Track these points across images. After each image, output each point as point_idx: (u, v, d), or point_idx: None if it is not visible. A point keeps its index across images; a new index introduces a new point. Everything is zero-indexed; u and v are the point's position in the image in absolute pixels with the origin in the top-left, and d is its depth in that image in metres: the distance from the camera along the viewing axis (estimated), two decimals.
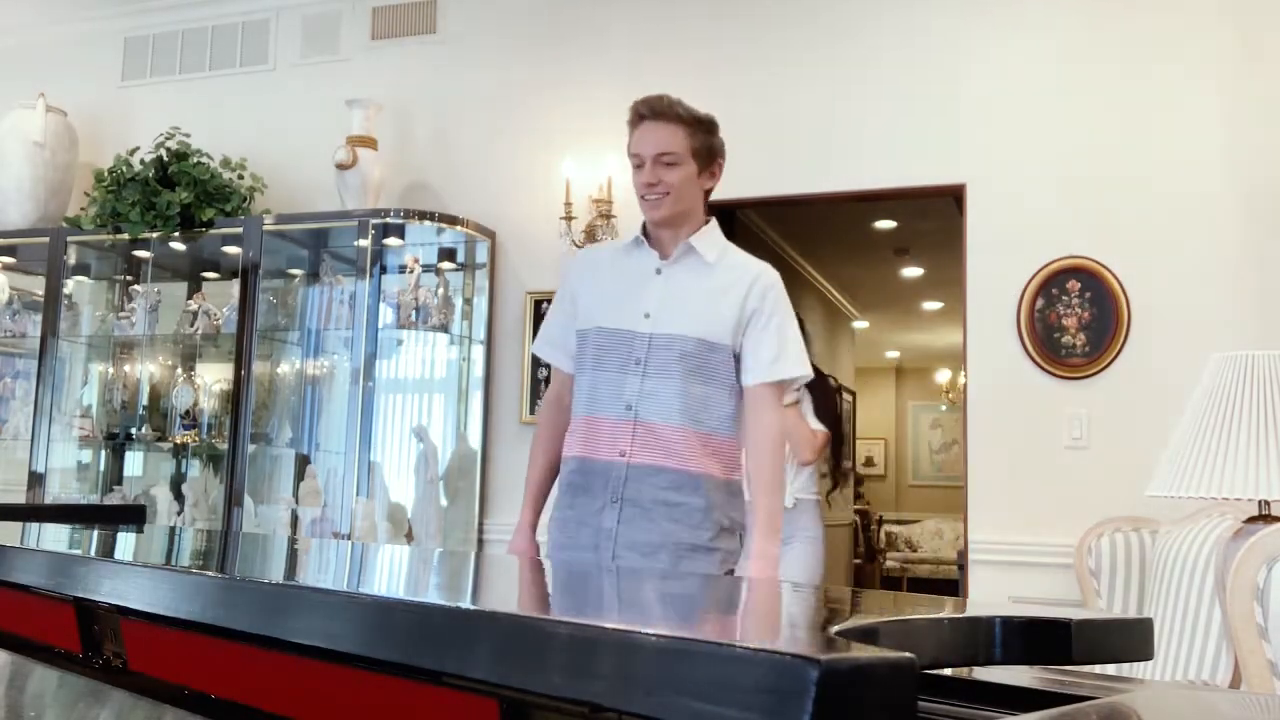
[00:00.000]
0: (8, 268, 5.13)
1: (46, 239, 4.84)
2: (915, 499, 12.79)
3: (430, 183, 4.77)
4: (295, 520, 4.39)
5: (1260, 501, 2.69)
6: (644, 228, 2.46)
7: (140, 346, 4.88)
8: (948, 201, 4.70)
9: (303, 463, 4.59)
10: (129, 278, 4.99)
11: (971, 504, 3.87)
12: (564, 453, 2.43)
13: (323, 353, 4.70)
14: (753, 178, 4.28)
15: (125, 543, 1.23)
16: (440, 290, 4.49)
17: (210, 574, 0.77)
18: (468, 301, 4.66)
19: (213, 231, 4.60)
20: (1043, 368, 3.84)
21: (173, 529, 2.99)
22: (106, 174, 4.73)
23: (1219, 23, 3.79)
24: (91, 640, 0.92)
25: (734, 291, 2.38)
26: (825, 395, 4.14)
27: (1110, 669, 2.10)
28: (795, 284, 8.17)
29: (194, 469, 4.83)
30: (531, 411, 4.46)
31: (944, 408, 12.74)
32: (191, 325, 4.66)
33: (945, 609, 0.68)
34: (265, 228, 4.54)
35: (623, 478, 2.30)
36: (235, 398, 4.45)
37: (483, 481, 4.50)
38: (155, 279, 4.85)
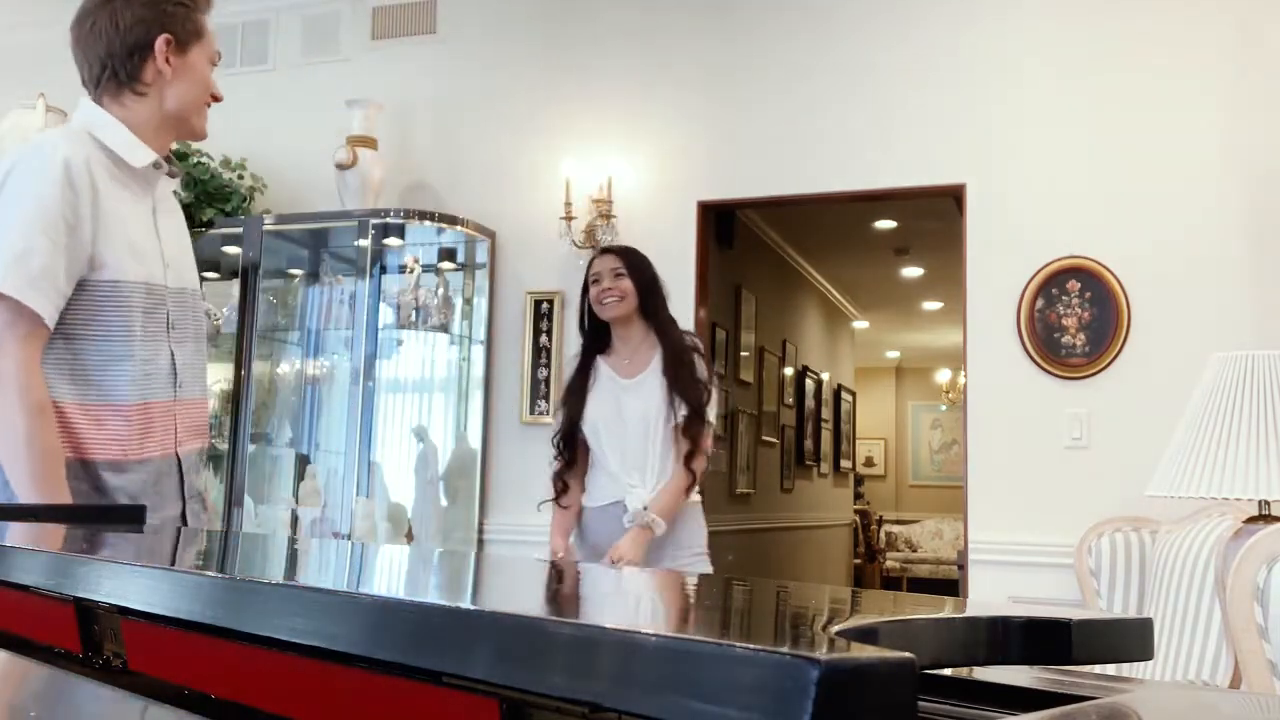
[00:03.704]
0: None
1: None
2: (915, 499, 12.80)
3: (430, 183, 4.77)
4: (295, 520, 4.39)
5: (1260, 501, 2.69)
6: None
7: None
8: (948, 201, 4.70)
9: (303, 463, 4.59)
10: None
11: (971, 504, 3.87)
12: None
13: (323, 353, 4.70)
14: (753, 178, 4.29)
15: (125, 543, 1.23)
16: (440, 290, 4.49)
17: (210, 574, 0.77)
18: (468, 301, 4.66)
19: (213, 231, 4.60)
20: (1042, 368, 3.84)
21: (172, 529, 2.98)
22: None
23: (1219, 21, 3.79)
24: (91, 640, 0.92)
25: None
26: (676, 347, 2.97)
27: (1110, 669, 2.10)
28: (795, 284, 8.16)
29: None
30: (531, 411, 4.46)
31: (944, 408, 12.74)
32: None
33: (945, 609, 0.68)
34: (265, 228, 4.54)
35: None
36: (235, 398, 4.45)
37: (483, 481, 4.50)
38: None
